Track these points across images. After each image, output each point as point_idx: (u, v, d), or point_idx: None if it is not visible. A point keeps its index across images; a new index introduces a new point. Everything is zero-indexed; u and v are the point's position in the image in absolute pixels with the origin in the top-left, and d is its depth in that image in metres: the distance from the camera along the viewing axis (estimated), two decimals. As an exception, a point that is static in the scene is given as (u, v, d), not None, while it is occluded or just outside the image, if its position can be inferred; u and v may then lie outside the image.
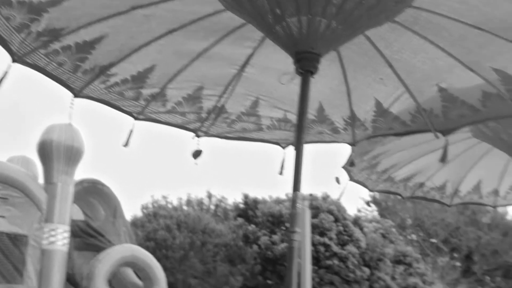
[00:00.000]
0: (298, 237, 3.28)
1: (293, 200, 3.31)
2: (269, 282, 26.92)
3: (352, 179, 5.98)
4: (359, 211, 38.85)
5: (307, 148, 5.11)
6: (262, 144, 5.26)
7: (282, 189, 29.00)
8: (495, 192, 6.77)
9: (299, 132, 3.51)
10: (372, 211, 40.62)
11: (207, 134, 5.09)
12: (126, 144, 4.66)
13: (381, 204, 41.24)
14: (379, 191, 6.38)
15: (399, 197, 6.98)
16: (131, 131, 4.72)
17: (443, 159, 4.70)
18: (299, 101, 3.58)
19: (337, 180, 5.51)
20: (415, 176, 6.40)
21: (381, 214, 40.39)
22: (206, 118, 4.98)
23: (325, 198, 28.72)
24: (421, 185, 6.51)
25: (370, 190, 6.25)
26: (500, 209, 41.16)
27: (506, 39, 3.81)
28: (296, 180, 3.35)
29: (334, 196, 26.61)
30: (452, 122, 4.61)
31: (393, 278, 30.41)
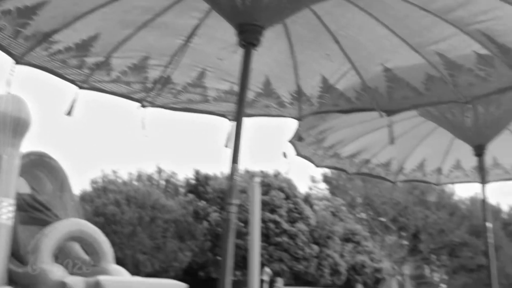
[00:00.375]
0: (235, 209, 3.28)
1: (231, 173, 3.30)
2: (219, 258, 26.85)
3: (299, 154, 5.99)
4: (310, 189, 39.33)
5: (256, 122, 5.13)
6: (216, 118, 5.21)
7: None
8: (439, 170, 6.90)
9: (239, 105, 3.50)
10: (323, 190, 41.20)
11: (153, 104, 5.02)
12: (69, 113, 4.57)
13: (332, 183, 41.78)
14: (325, 167, 6.43)
15: (346, 174, 7.04)
16: (74, 100, 4.63)
17: (391, 140, 4.77)
18: (240, 74, 3.56)
19: (284, 154, 5.52)
20: (361, 153, 6.46)
21: (332, 193, 40.94)
22: (152, 89, 4.91)
23: (277, 175, 28.92)
24: (367, 161, 6.58)
25: (317, 166, 6.29)
26: (447, 189, 42.07)
27: (450, 22, 3.87)
28: (235, 152, 3.34)
29: (286, 173, 26.69)
30: (396, 103, 4.67)
31: (341, 256, 30.86)
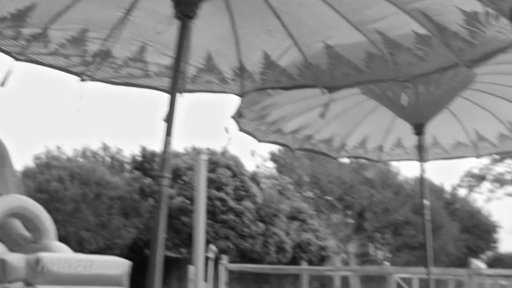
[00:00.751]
0: (167, 182, 3.26)
1: (164, 145, 3.28)
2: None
3: (241, 129, 5.97)
4: (257, 167, 39.46)
5: (198, 98, 5.07)
6: (162, 94, 5.13)
7: (180, 143, 28.92)
8: (380, 148, 6.99)
9: (174, 78, 3.47)
10: (271, 168, 41.39)
11: (93, 78, 4.90)
12: (2, 84, 4.43)
13: (279, 161, 42.01)
14: (268, 142, 6.42)
15: (293, 153, 7.07)
16: (9, 71, 4.49)
17: (322, 115, 4.79)
18: (176, 47, 3.53)
19: (226, 129, 5.48)
20: (304, 129, 6.48)
21: (279, 171, 41.20)
22: (91, 62, 4.79)
23: (224, 153, 28.90)
24: (309, 137, 6.60)
25: (259, 141, 6.28)
26: (392, 169, 42.80)
27: (389, 1, 3.89)
28: (168, 125, 3.32)
29: (233, 150, 26.68)
30: (337, 80, 4.69)
31: (287, 234, 31.16)
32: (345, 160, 45.96)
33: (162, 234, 3.15)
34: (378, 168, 39.85)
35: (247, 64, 4.86)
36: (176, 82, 3.44)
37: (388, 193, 44.13)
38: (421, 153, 5.84)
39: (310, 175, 42.35)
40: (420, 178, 5.96)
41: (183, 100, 5.03)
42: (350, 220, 44.28)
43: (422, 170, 5.85)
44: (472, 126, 6.54)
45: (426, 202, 5.75)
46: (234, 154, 29.14)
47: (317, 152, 6.96)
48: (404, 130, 6.26)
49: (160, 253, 3.10)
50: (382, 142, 6.93)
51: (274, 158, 41.54)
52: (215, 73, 4.96)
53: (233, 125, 5.88)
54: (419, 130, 5.76)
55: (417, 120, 5.72)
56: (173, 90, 3.41)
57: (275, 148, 41.31)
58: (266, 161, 41.63)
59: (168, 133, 3.29)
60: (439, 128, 6.47)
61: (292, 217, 32.60)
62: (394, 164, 47.26)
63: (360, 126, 6.66)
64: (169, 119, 3.33)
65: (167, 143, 3.27)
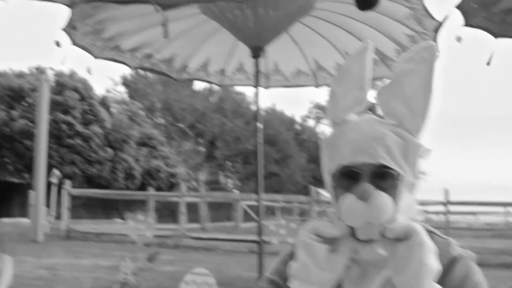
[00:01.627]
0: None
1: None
2: (6, 160, 25.65)
3: (75, 43, 5.61)
4: (108, 91, 38.47)
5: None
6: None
7: (25, 62, 27.49)
8: (222, 72, 6.91)
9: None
10: (122, 93, 40.48)
11: None
12: None
13: (131, 86, 41.18)
14: (105, 59, 6.11)
15: (146, 78, 6.81)
16: None
17: (165, 35, 4.59)
18: None
19: (57, 43, 5.12)
20: (143, 47, 6.23)
21: (131, 96, 40.46)
22: None
23: (72, 75, 27.79)
24: (149, 56, 6.38)
25: (96, 57, 5.96)
26: (244, 98, 43.33)
27: None
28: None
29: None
30: None
31: (136, 160, 30.93)
32: (198, 87, 45.98)
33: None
34: (221, 93, 40.26)
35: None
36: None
37: (239, 122, 44.91)
38: (258, 77, 5.81)
39: (162, 102, 42.01)
40: (256, 103, 5.97)
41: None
42: (201, 148, 44.74)
43: (258, 95, 5.84)
44: (312, 54, 6.61)
45: (259, 125, 5.79)
46: (83, 77, 28.11)
47: (157, 72, 6.76)
48: (246, 54, 6.20)
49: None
50: (224, 66, 6.84)
51: (125, 82, 40.63)
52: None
53: (66, 39, 5.52)
54: (256, 53, 5.71)
55: (255, 43, 5.66)
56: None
57: (127, 72, 40.35)
58: (117, 85, 40.66)
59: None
60: (280, 54, 6.49)
61: (142, 144, 32.35)
62: (248, 94, 48.01)
63: (202, 48, 6.51)
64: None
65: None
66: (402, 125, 1.49)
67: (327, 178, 1.55)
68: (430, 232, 1.52)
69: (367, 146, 1.43)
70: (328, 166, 1.54)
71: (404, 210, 1.45)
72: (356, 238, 1.41)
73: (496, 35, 4.18)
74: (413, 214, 1.52)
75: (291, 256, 1.57)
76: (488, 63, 4.13)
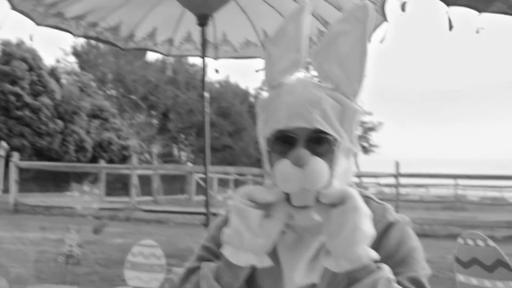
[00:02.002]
0: None
1: None
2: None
3: (14, 8, 5.40)
4: (57, 61, 37.63)
5: None
6: None
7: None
8: (170, 41, 6.77)
9: None
10: (72, 63, 39.67)
11: None
12: None
13: (82, 57, 40.38)
14: (47, 26, 5.89)
15: (97, 48, 6.62)
16: None
17: None
18: None
19: (-5, 9, 4.94)
20: (88, 15, 6.04)
21: (81, 67, 39.69)
22: None
23: (20, 44, 27.06)
24: (94, 24, 6.19)
25: (37, 24, 5.74)
26: (198, 70, 42.96)
27: None
28: None
29: (31, 42, 25.08)
30: None
31: (87, 132, 30.46)
32: (151, 59, 45.38)
33: None
34: (174, 64, 39.85)
35: None
36: None
37: (193, 94, 44.61)
38: (204, 46, 5.70)
39: (114, 73, 41.39)
40: (203, 72, 5.87)
41: None
42: (154, 120, 44.37)
43: (204, 63, 5.75)
44: (260, 24, 6.53)
45: (206, 94, 5.71)
46: (32, 47, 27.42)
47: (103, 41, 6.57)
48: (193, 23, 6.08)
49: None
50: (172, 35, 6.71)
51: (76, 53, 39.80)
52: None
53: (4, 3, 5.30)
54: (203, 21, 5.60)
55: (201, 10, 5.54)
56: None
57: (78, 42, 39.54)
58: (67, 55, 39.80)
59: None
60: (229, 24, 6.39)
61: (94, 116, 31.85)
62: (200, 65, 47.40)
63: (148, 16, 6.35)
64: None
65: None
66: (339, 89, 1.45)
67: (262, 143, 1.52)
68: (366, 198, 1.51)
69: (302, 110, 1.40)
70: (264, 131, 1.51)
71: (340, 175, 1.43)
72: (291, 204, 1.38)
73: (480, 10, 4.16)
74: (349, 179, 1.51)
75: (225, 222, 1.53)
76: (450, 28, 4.09)
